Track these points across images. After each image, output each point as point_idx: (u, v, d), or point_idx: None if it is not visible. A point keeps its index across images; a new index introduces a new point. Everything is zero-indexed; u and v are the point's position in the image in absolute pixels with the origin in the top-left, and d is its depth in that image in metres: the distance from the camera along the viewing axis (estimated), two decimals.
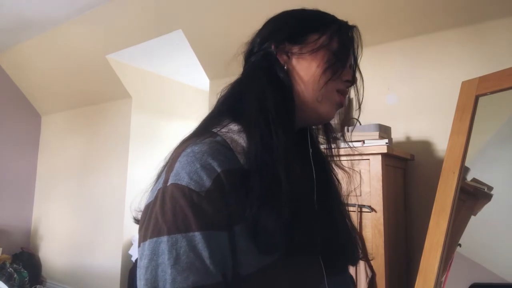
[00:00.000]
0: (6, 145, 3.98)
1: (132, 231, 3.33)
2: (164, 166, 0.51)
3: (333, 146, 0.67)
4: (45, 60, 3.66)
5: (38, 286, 3.67)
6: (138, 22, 2.83)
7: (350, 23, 0.61)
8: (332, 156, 0.67)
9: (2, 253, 3.61)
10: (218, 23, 2.49)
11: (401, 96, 1.96)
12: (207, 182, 0.44)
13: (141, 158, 3.48)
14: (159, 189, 0.46)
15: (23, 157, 4.18)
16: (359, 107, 0.60)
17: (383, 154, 1.54)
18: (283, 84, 0.55)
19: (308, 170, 0.60)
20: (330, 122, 0.68)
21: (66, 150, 4.03)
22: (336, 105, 0.58)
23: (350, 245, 0.62)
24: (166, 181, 0.46)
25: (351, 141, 1.63)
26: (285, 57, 0.57)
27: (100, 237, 3.47)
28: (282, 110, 0.53)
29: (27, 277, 3.52)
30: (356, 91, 0.61)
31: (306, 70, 0.56)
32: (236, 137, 0.51)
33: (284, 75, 0.56)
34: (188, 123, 4.00)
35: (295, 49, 0.57)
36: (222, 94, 0.61)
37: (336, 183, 0.67)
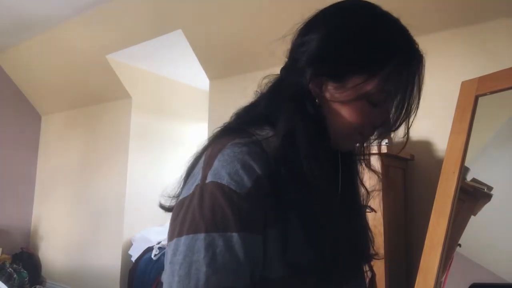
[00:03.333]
0: (6, 145, 3.98)
1: (132, 231, 3.33)
2: (195, 161, 0.50)
3: (365, 157, 0.65)
4: (45, 60, 3.66)
5: (38, 286, 3.67)
6: (138, 22, 2.83)
7: None
8: (362, 156, 0.65)
9: (2, 253, 3.61)
10: (218, 23, 2.49)
11: None
12: (247, 183, 0.44)
13: (141, 158, 3.48)
14: (196, 186, 0.46)
15: (23, 157, 4.18)
16: (407, 133, 0.55)
17: (383, 154, 1.54)
18: (314, 118, 0.51)
19: (334, 172, 0.58)
20: None
21: (66, 150, 4.03)
22: (356, 144, 0.58)
23: (365, 246, 0.63)
24: (204, 178, 0.45)
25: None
26: (317, 90, 0.51)
27: (100, 237, 3.47)
28: (315, 146, 0.49)
29: (27, 277, 3.51)
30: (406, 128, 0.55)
31: (334, 112, 0.51)
32: (271, 143, 0.50)
33: (314, 110, 0.51)
34: (188, 123, 4.00)
35: (330, 88, 0.51)
36: (256, 99, 0.57)
37: (359, 184, 0.65)
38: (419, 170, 1.86)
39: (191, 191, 0.46)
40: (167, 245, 0.46)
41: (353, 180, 0.63)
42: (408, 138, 0.55)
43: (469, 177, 1.40)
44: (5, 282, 3.23)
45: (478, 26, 1.76)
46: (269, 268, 0.45)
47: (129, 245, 3.30)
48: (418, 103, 0.53)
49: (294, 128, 0.49)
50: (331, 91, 0.51)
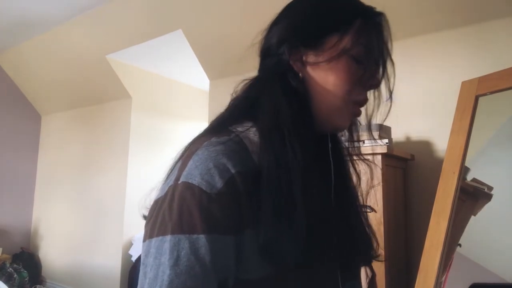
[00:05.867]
0: (6, 145, 3.98)
1: (132, 231, 3.33)
2: (176, 163, 0.49)
3: (355, 144, 0.63)
4: (45, 60, 3.66)
5: (38, 286, 3.67)
6: (138, 22, 2.83)
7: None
8: (354, 153, 0.63)
9: (2, 253, 3.61)
10: (218, 23, 2.49)
11: (401, 96, 1.96)
12: (219, 183, 0.42)
13: (141, 158, 3.48)
14: (170, 186, 0.45)
15: (23, 157, 4.18)
16: (390, 96, 0.55)
17: (383, 154, 1.54)
18: (298, 94, 0.50)
19: (326, 168, 0.56)
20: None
21: (66, 150, 4.03)
22: (352, 116, 0.54)
23: (365, 246, 0.59)
24: (177, 178, 0.44)
25: (356, 141, 1.63)
26: (299, 64, 0.51)
27: (100, 237, 3.47)
28: (298, 123, 0.48)
29: (27, 277, 3.52)
30: (388, 88, 0.56)
31: (322, 81, 0.51)
32: (253, 136, 0.49)
33: (298, 84, 0.51)
34: (188, 123, 4.00)
35: (311, 56, 0.51)
36: (237, 95, 0.56)
37: (355, 180, 0.62)
38: (419, 170, 1.86)
39: (164, 192, 0.45)
40: (142, 246, 0.45)
41: (344, 172, 0.60)
42: (391, 102, 0.55)
43: (469, 177, 1.40)
44: (5, 282, 3.23)
45: (478, 26, 1.76)
46: (248, 269, 0.44)
47: (129, 245, 3.31)
48: (391, 61, 0.55)
49: (279, 105, 0.49)
50: (312, 58, 0.51)
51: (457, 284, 1.27)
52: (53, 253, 3.91)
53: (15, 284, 3.36)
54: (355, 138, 0.62)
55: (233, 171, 0.43)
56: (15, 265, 3.53)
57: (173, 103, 3.89)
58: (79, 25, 3.10)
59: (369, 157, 1.56)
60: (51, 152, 4.20)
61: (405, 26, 1.92)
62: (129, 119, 3.45)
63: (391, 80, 0.55)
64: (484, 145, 1.44)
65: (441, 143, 1.80)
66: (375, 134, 1.60)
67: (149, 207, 0.49)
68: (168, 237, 0.41)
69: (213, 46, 2.64)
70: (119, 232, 3.30)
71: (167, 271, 0.40)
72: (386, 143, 1.54)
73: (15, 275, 3.41)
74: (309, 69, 0.51)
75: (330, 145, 0.56)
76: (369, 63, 0.52)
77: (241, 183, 0.43)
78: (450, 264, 1.28)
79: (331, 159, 0.56)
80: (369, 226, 0.62)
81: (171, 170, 0.49)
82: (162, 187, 0.47)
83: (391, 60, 0.54)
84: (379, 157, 1.54)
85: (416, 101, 1.91)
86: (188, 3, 2.47)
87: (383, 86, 0.56)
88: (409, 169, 1.88)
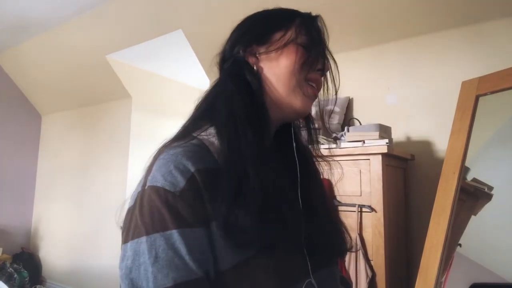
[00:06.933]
0: (7, 145, 3.98)
1: None
2: (145, 172, 0.53)
3: (315, 146, 0.68)
4: (45, 60, 3.66)
5: (38, 286, 3.67)
6: (138, 22, 2.83)
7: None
8: (315, 154, 0.68)
9: (2, 253, 3.61)
10: (218, 23, 2.49)
11: (401, 96, 1.96)
12: (181, 182, 0.46)
13: (141, 158, 3.46)
14: (138, 193, 0.49)
15: (23, 157, 4.18)
16: (336, 93, 0.62)
17: (383, 154, 1.54)
18: (251, 86, 0.56)
19: (291, 165, 0.61)
20: (314, 122, 0.69)
21: (66, 150, 4.03)
22: (309, 97, 0.59)
23: (336, 237, 0.63)
24: (144, 184, 0.49)
25: (351, 141, 1.63)
26: (253, 59, 0.58)
27: (100, 237, 3.47)
28: (251, 112, 0.54)
29: (27, 277, 3.52)
30: (332, 78, 0.62)
31: (275, 67, 0.57)
32: (213, 139, 0.53)
33: (253, 77, 0.57)
34: None
35: (262, 49, 0.58)
36: (198, 101, 0.62)
37: (320, 176, 0.68)
38: (419, 170, 1.86)
39: (134, 199, 0.49)
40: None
41: (311, 171, 0.65)
42: (337, 90, 0.61)
43: (469, 177, 1.40)
44: (5, 282, 3.23)
45: (478, 26, 1.76)
46: (218, 259, 0.46)
47: None
48: (333, 60, 0.62)
49: (233, 99, 0.55)
50: (263, 51, 0.58)
51: (457, 284, 1.27)
52: (53, 253, 3.91)
53: (15, 284, 3.37)
54: (314, 138, 0.68)
55: (192, 169, 0.47)
56: (15, 265, 3.53)
57: (173, 103, 3.89)
58: (79, 25, 3.10)
59: (369, 157, 1.56)
60: (51, 152, 4.20)
61: (405, 26, 1.92)
62: (129, 119, 3.45)
63: (336, 77, 0.62)
64: (484, 145, 1.44)
65: (441, 143, 1.80)
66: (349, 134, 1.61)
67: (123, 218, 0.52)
68: (144, 238, 0.44)
69: (213, 46, 2.63)
70: (119, 232, 3.30)
71: (150, 269, 0.43)
72: (386, 143, 1.54)
73: (15, 275, 3.41)
74: (262, 60, 0.58)
75: (294, 144, 0.62)
76: (313, 48, 0.59)
77: (201, 181, 0.47)
78: (450, 264, 1.28)
79: (295, 156, 0.61)
80: (339, 219, 0.67)
81: (141, 180, 0.53)
82: (132, 196, 0.51)
83: (333, 58, 0.62)
84: (379, 157, 1.54)
85: (416, 101, 1.91)
86: (188, 3, 2.47)
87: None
88: (409, 169, 1.88)
